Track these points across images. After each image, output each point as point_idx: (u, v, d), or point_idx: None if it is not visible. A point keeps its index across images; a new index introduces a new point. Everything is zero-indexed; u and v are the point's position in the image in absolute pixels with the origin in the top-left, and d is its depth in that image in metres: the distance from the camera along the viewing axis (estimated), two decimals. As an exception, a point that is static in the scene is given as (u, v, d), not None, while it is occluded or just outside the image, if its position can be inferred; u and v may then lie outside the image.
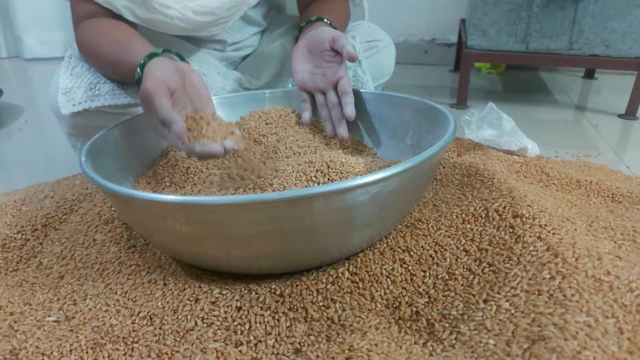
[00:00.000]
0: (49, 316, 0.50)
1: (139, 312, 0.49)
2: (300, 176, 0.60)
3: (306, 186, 0.59)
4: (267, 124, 0.79)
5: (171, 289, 0.51)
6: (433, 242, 0.56)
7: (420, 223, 0.60)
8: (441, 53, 1.79)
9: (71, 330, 0.47)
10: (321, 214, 0.46)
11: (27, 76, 1.80)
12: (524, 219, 0.56)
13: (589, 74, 1.64)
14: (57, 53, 1.92)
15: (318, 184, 0.60)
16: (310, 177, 0.61)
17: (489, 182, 0.70)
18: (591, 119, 1.24)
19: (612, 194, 0.78)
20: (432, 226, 0.59)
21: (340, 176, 0.61)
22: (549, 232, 0.54)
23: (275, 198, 0.43)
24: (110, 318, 0.48)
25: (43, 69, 1.86)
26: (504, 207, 0.59)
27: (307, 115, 0.78)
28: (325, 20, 0.82)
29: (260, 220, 0.45)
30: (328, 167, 0.62)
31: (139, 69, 0.62)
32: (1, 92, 1.27)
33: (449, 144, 0.75)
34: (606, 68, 1.23)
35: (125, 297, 0.51)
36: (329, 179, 0.61)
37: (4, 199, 0.74)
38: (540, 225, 0.55)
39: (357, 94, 0.81)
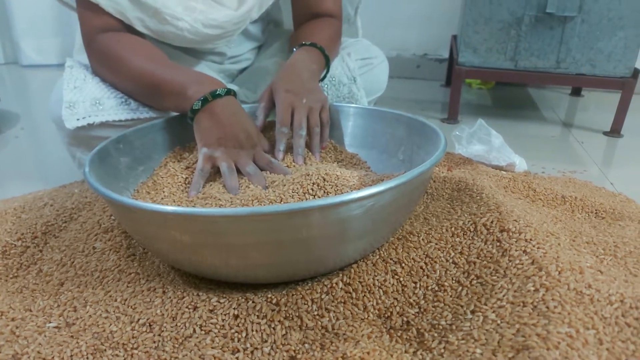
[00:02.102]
0: (50, 322, 0.51)
1: (139, 319, 0.50)
2: (297, 188, 0.63)
3: (303, 198, 0.61)
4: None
5: (170, 297, 0.53)
6: (424, 254, 0.58)
7: (411, 236, 0.62)
8: (433, 68, 1.83)
9: (71, 336, 0.49)
10: (317, 227, 0.48)
11: (24, 83, 1.81)
12: (511, 233, 0.59)
13: (576, 91, 1.68)
14: (53, 60, 1.94)
15: (314, 196, 0.62)
16: (307, 189, 0.63)
17: (478, 197, 0.72)
18: (577, 136, 1.28)
19: (596, 210, 0.80)
20: (422, 239, 0.61)
21: (336, 189, 0.63)
22: (534, 246, 0.56)
23: (274, 211, 0.45)
24: (110, 325, 0.50)
25: (40, 76, 1.87)
26: (492, 222, 0.62)
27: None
28: (317, 45, 0.84)
29: (258, 232, 0.47)
30: (324, 180, 0.64)
31: (200, 102, 0.67)
32: (-2, 99, 1.28)
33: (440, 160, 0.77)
34: (592, 87, 1.28)
35: (125, 304, 0.53)
36: (325, 192, 0.63)
37: (3, 206, 0.75)
38: (526, 240, 0.57)
39: (352, 110, 0.84)
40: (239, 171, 0.68)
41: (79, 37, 1.02)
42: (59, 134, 0.84)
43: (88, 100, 0.78)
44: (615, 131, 1.28)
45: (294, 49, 0.85)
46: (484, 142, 1.00)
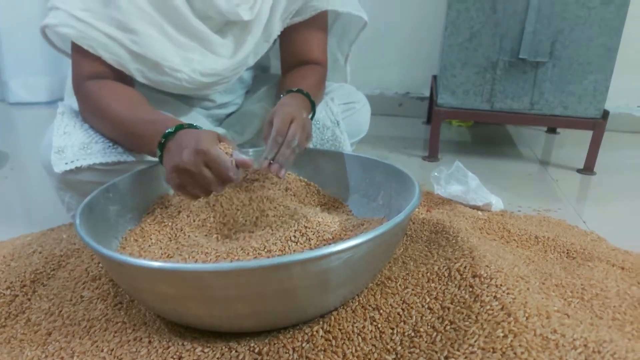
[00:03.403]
0: (38, 374, 0.52)
1: (125, 370, 0.52)
2: (280, 236, 0.65)
3: (286, 245, 0.64)
4: (251, 180, 0.84)
5: (155, 347, 0.55)
6: (401, 300, 0.61)
7: (389, 281, 0.65)
8: (415, 106, 1.89)
9: (59, 387, 0.50)
10: (298, 279, 0.50)
11: (12, 121, 1.83)
12: (482, 279, 0.62)
13: (552, 129, 1.75)
14: (41, 98, 1.97)
15: (297, 243, 0.65)
16: (290, 237, 0.66)
17: (453, 241, 0.76)
18: (552, 174, 1.33)
19: (567, 250, 0.84)
20: (400, 284, 0.64)
21: (317, 236, 0.66)
22: (503, 292, 0.59)
23: (257, 266, 0.48)
24: (97, 376, 0.51)
25: (28, 114, 1.89)
26: (465, 267, 0.65)
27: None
28: (303, 92, 0.88)
29: (242, 285, 0.49)
30: (306, 227, 0.67)
31: (162, 138, 0.69)
32: (-12, 139, 1.30)
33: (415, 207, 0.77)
34: (565, 127, 1.34)
35: (111, 354, 0.54)
36: (307, 239, 0.66)
37: (-8, 253, 0.77)
38: (496, 285, 0.60)
39: (335, 154, 0.87)
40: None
41: (70, 80, 1.06)
42: (49, 179, 0.86)
43: (76, 145, 0.81)
44: (588, 169, 1.33)
45: (282, 95, 0.89)
46: (461, 183, 1.04)
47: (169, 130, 0.69)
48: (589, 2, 1.18)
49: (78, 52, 0.81)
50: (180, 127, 0.70)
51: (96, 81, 0.82)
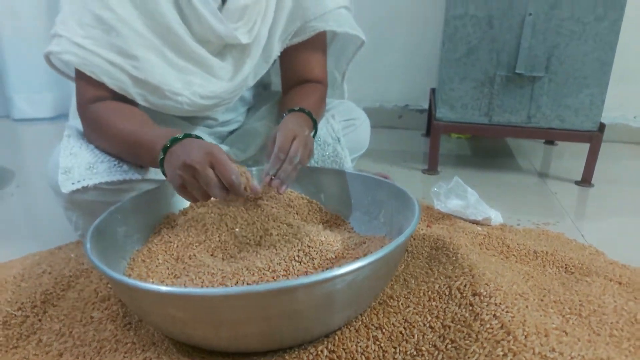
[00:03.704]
0: (51, 395, 0.54)
1: (136, 391, 0.53)
2: (284, 256, 0.67)
3: (290, 265, 0.66)
4: (255, 199, 0.86)
5: (165, 367, 0.56)
6: (403, 319, 0.63)
7: (391, 300, 0.67)
8: (414, 118, 1.91)
9: (72, 409, 0.52)
10: (304, 301, 0.52)
11: (18, 137, 1.86)
12: (482, 297, 0.64)
13: (550, 141, 1.77)
14: (46, 114, 1.99)
15: (300, 262, 0.67)
16: (294, 257, 0.67)
17: (454, 258, 0.77)
18: (551, 186, 1.35)
19: (566, 265, 0.86)
20: (402, 303, 0.66)
21: (320, 255, 0.68)
22: (503, 310, 0.61)
23: (264, 290, 0.49)
24: (109, 397, 0.53)
25: (33, 129, 1.92)
26: (465, 285, 0.67)
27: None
28: (305, 110, 0.90)
29: (249, 308, 0.51)
30: (309, 247, 0.69)
31: (168, 142, 0.71)
32: (-7, 157, 1.32)
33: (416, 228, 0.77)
34: (562, 140, 1.36)
35: (122, 375, 0.56)
36: (310, 258, 0.68)
37: (2, 273, 0.79)
38: (496, 304, 0.62)
39: (337, 172, 0.89)
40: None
41: (74, 102, 1.08)
42: (56, 199, 0.88)
43: (83, 165, 0.83)
44: (586, 181, 1.35)
45: (284, 115, 0.91)
46: (461, 198, 1.06)
47: (177, 136, 0.71)
48: (583, 17, 1.21)
49: (81, 78, 0.83)
50: (189, 135, 0.72)
51: (102, 102, 0.84)
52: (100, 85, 0.82)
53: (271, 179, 0.76)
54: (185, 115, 0.96)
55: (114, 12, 0.79)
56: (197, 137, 0.73)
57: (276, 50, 0.97)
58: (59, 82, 1.93)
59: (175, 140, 0.71)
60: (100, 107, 0.84)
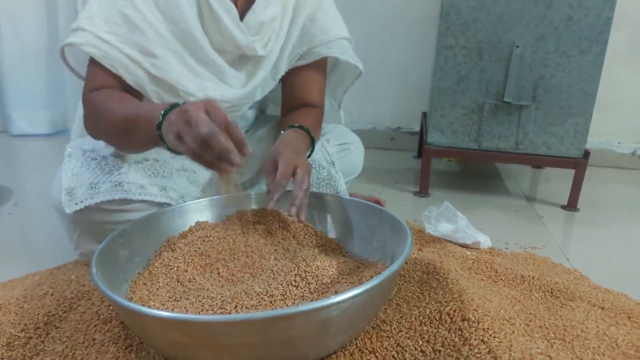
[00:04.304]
0: (55, 417, 0.55)
1: (138, 413, 0.55)
2: (281, 280, 0.70)
3: (287, 290, 0.69)
4: (253, 223, 0.88)
5: (166, 390, 0.58)
6: (395, 343, 0.66)
7: (384, 324, 0.69)
8: (406, 140, 1.96)
9: None
10: (301, 327, 0.55)
11: (14, 153, 1.87)
12: (470, 322, 0.67)
13: (537, 165, 1.82)
14: (43, 130, 2.02)
15: (297, 287, 0.70)
16: (290, 281, 0.70)
17: (444, 282, 0.80)
18: (538, 210, 1.39)
19: (551, 289, 0.89)
20: (394, 328, 0.69)
21: (317, 280, 0.71)
22: (490, 335, 0.64)
23: (263, 317, 0.52)
24: (112, 418, 0.55)
25: (30, 145, 1.94)
26: (455, 311, 0.70)
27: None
28: (304, 127, 0.95)
29: (249, 333, 0.54)
30: (305, 271, 0.72)
31: (161, 115, 0.69)
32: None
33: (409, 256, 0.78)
34: (548, 166, 1.40)
35: (125, 397, 0.58)
36: (307, 283, 0.70)
37: (5, 294, 0.80)
38: (484, 329, 0.65)
39: (333, 198, 0.92)
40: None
41: (78, 122, 1.11)
42: (59, 219, 0.90)
43: (85, 185, 0.85)
44: (571, 205, 1.39)
45: (282, 131, 0.95)
46: (451, 222, 1.10)
47: (178, 102, 0.69)
48: (568, 51, 1.26)
49: (94, 69, 0.86)
50: (176, 104, 0.70)
51: (103, 90, 0.87)
52: (114, 77, 0.86)
53: (271, 201, 0.79)
54: None
55: (141, 12, 0.84)
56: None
57: (283, 69, 1.03)
58: (57, 100, 1.97)
59: (175, 105, 0.69)
60: (99, 93, 0.86)
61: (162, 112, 0.69)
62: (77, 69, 0.96)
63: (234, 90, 0.97)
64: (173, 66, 0.88)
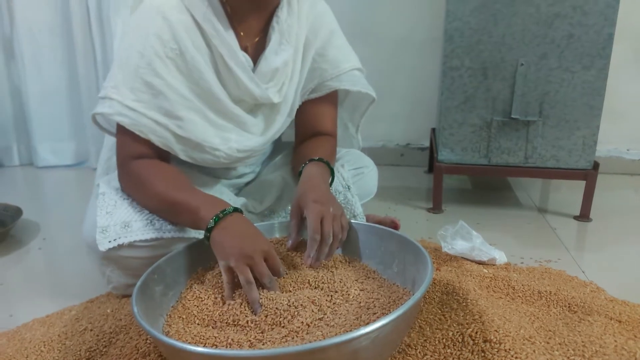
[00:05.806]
0: None
1: None
2: (313, 309, 0.73)
3: (318, 318, 0.72)
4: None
5: (209, 421, 0.62)
6: (421, 366, 0.69)
7: (410, 349, 0.73)
8: (416, 156, 2.00)
9: None
10: (333, 358, 0.58)
11: (41, 185, 1.94)
12: (492, 344, 0.70)
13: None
14: (68, 161, 2.10)
15: (327, 314, 0.73)
16: (322, 307, 0.73)
17: (464, 303, 0.84)
18: (550, 221, 1.42)
19: (569, 304, 0.91)
20: (419, 352, 0.72)
21: (347, 304, 0.74)
22: (512, 356, 0.67)
23: (296, 351, 0.56)
24: None
25: (55, 176, 2.02)
26: (476, 332, 0.73)
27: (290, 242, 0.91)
28: (324, 160, 1.00)
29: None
30: (336, 298, 0.75)
31: (212, 222, 0.80)
32: (21, 212, 1.38)
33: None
34: (558, 178, 1.43)
35: None
36: (335, 310, 0.73)
37: (46, 331, 0.84)
38: (505, 350, 0.68)
39: (354, 225, 0.95)
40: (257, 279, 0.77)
41: (104, 157, 1.17)
42: (92, 254, 0.95)
43: (118, 223, 0.90)
44: (584, 216, 1.42)
45: (303, 164, 1.00)
46: (466, 239, 1.13)
47: (228, 209, 0.81)
48: (571, 67, 1.30)
49: (126, 135, 0.92)
50: (236, 209, 0.83)
51: (142, 160, 0.93)
52: (144, 142, 0.92)
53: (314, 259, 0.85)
54: (218, 167, 1.06)
55: (163, 79, 0.89)
56: (239, 209, 0.84)
57: (297, 105, 1.08)
58: (80, 131, 2.06)
59: (220, 217, 0.80)
60: (142, 164, 0.92)
61: (214, 217, 0.80)
62: (109, 129, 1.02)
63: (255, 139, 1.03)
64: (197, 124, 0.94)
